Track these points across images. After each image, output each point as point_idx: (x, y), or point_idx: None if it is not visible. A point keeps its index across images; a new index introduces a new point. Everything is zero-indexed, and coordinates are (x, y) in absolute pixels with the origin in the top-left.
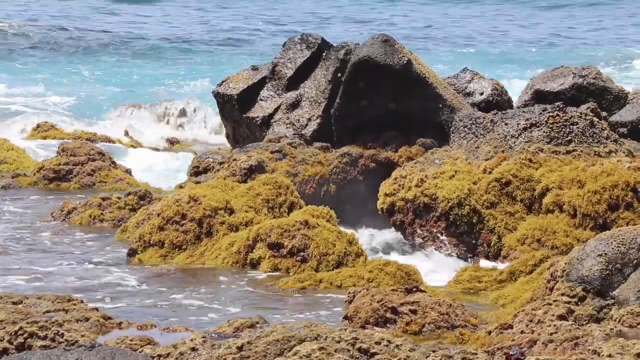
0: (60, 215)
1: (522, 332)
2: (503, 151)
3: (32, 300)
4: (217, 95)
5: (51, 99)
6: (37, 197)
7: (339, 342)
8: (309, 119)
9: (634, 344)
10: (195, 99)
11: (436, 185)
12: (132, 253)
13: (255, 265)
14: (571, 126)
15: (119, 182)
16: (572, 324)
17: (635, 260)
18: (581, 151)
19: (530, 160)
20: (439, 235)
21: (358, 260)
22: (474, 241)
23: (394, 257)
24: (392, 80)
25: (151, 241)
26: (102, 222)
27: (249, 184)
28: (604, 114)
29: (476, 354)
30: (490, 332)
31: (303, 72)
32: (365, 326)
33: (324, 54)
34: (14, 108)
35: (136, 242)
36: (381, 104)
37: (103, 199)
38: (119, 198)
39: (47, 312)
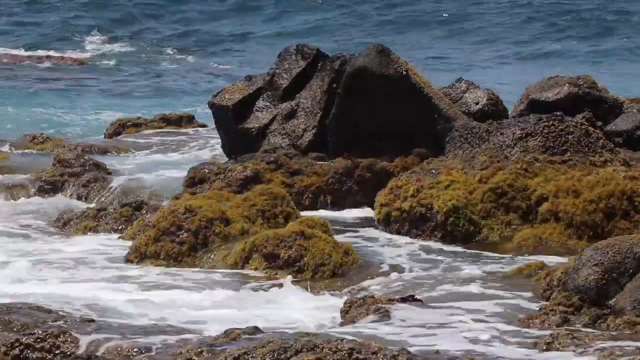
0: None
1: None
2: (499, 161)
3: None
4: (212, 106)
5: None
6: None
7: (335, 352)
8: (305, 130)
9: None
10: None
11: (432, 195)
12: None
13: None
14: (567, 135)
15: None
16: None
17: (632, 270)
18: (577, 161)
19: (525, 170)
20: None
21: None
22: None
23: None
24: (387, 91)
25: (147, 252)
26: (97, 234)
27: (245, 195)
28: (599, 123)
29: None
30: None
31: (299, 83)
32: None
33: (320, 64)
34: None
35: (132, 253)
36: (376, 114)
37: (99, 210)
38: (115, 209)
39: (44, 323)
